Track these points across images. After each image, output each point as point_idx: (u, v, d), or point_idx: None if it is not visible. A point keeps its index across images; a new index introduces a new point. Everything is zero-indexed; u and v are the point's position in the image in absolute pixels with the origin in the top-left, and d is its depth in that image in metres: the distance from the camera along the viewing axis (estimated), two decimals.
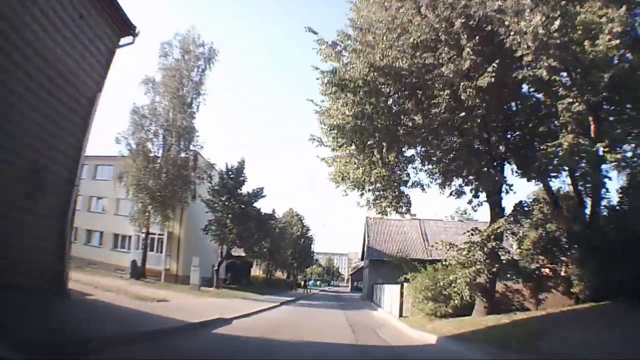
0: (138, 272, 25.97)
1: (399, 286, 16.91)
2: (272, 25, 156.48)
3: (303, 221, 62.42)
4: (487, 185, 12.86)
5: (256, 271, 56.61)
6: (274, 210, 32.85)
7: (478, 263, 12.22)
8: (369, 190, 13.76)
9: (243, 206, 30.33)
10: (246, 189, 31.44)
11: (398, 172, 14.20)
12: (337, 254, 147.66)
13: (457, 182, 14.52)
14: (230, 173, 31.08)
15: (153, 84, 27.47)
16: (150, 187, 26.31)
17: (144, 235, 28.15)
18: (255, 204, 31.51)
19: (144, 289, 17.27)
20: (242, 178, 31.34)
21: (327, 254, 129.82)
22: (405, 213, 14.34)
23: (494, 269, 12.39)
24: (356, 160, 13.05)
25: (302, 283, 52.24)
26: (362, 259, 43.36)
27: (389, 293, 20.32)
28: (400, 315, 16.14)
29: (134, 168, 26.00)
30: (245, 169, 31.53)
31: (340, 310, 22.16)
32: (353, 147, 12.67)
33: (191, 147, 28.31)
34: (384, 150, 12.26)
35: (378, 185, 13.40)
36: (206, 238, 30.99)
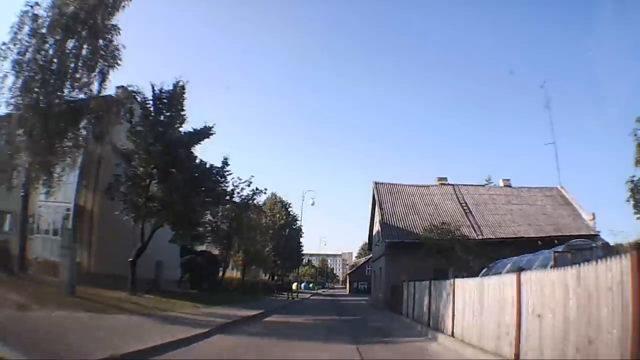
0: (5, 263, 14.01)
1: None
2: None
3: (289, 209, 49.28)
4: None
5: (234, 272, 43.46)
6: (225, 161, 19.28)
7: None
8: None
9: (173, 152, 17.25)
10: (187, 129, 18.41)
11: None
12: (331, 255, 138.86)
13: None
14: (159, 102, 17.96)
15: None
16: (29, 122, 14.05)
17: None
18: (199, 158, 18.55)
19: None
20: (179, 110, 18.24)
21: (320, 255, 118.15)
22: None
23: None
24: None
25: (288, 285, 38.98)
26: (369, 249, 30.24)
27: (473, 297, 7.28)
28: None
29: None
30: (186, 99, 18.43)
31: (349, 344, 9.02)
32: None
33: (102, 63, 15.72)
34: None
35: None
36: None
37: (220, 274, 40.75)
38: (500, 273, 9.62)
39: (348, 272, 68.24)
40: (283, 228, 45.64)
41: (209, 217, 23.35)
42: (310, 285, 74.13)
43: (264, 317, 15.75)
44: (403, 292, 16.16)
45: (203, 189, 18.04)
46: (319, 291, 68.39)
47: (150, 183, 17.67)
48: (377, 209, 25.52)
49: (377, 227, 25.50)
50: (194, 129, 18.69)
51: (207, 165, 18.86)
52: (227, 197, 20.23)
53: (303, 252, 60.74)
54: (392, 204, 24.75)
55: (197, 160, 18.95)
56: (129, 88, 17.77)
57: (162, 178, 17.39)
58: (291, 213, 49.22)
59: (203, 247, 36.70)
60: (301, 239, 53.01)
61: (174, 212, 17.13)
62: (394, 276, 20.94)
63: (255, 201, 23.86)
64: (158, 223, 18.39)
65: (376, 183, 26.70)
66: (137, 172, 17.60)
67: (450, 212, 24.29)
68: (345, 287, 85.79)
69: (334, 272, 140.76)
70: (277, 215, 46.88)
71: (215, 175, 18.82)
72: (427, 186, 27.32)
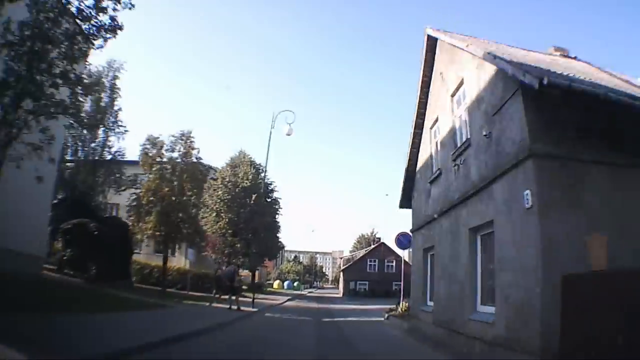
0: None
1: None
2: None
3: (262, 173, 32.87)
4: None
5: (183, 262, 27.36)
6: None
7: None
8: None
9: None
10: None
11: None
12: (320, 253, 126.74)
13: None
14: None
15: None
16: None
17: None
18: None
19: None
20: None
21: (308, 252, 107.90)
22: None
23: None
24: None
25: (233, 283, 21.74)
26: (403, 193, 13.24)
27: None
28: None
29: None
30: None
31: None
32: None
33: None
34: None
35: None
36: None
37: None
38: None
39: (342, 267, 51.88)
40: (248, 193, 29.39)
41: None
42: (295, 284, 57.92)
43: None
44: None
45: None
46: (304, 292, 52.12)
47: None
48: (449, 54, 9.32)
49: (464, 101, 8.98)
50: None
51: None
52: None
53: (285, 242, 45.48)
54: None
55: None
56: None
57: None
58: (264, 179, 32.91)
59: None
60: (278, 216, 36.77)
61: None
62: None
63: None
64: None
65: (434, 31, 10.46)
66: None
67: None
68: (337, 287, 69.67)
69: (324, 270, 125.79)
70: (241, 175, 30.60)
71: None
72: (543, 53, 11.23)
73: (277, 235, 37.40)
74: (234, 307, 15.12)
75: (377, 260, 45.12)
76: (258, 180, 30.69)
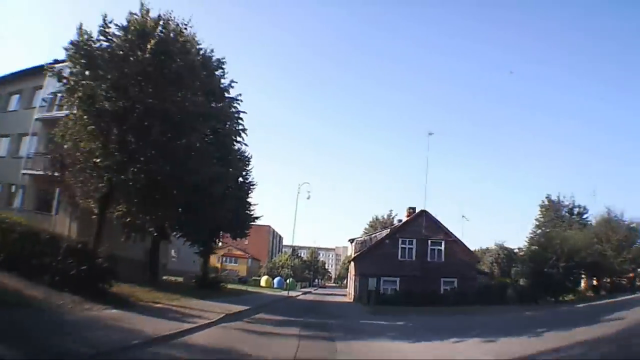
0: None
1: None
2: None
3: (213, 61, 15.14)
4: None
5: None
6: None
7: None
8: None
9: None
10: None
11: None
12: (323, 249, 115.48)
13: None
14: None
15: None
16: None
17: None
18: None
19: None
20: None
21: (310, 248, 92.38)
22: None
23: None
24: None
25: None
26: None
27: None
28: None
29: None
30: None
31: None
32: None
33: None
34: None
35: None
36: None
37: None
38: None
39: (353, 255, 33.74)
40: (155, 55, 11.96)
41: None
42: (288, 281, 41.04)
43: None
44: None
45: None
46: (296, 293, 34.99)
47: None
48: None
49: None
50: None
51: None
52: None
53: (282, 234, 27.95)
54: None
55: None
56: None
57: None
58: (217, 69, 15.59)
59: None
60: (243, 142, 19.49)
61: None
62: None
63: None
64: None
65: None
66: None
67: None
68: (342, 286, 52.32)
69: (326, 267, 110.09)
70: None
71: None
72: None
73: (242, 181, 20.21)
74: None
75: (414, 242, 27.35)
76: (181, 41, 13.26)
